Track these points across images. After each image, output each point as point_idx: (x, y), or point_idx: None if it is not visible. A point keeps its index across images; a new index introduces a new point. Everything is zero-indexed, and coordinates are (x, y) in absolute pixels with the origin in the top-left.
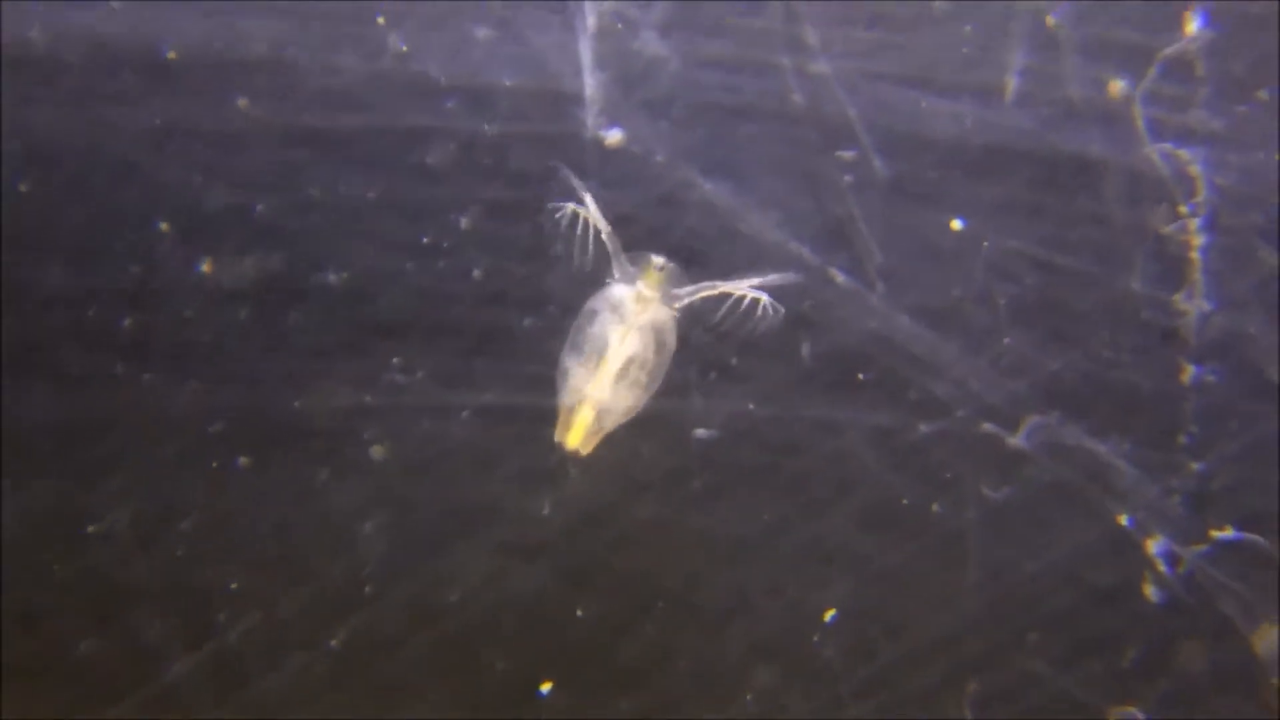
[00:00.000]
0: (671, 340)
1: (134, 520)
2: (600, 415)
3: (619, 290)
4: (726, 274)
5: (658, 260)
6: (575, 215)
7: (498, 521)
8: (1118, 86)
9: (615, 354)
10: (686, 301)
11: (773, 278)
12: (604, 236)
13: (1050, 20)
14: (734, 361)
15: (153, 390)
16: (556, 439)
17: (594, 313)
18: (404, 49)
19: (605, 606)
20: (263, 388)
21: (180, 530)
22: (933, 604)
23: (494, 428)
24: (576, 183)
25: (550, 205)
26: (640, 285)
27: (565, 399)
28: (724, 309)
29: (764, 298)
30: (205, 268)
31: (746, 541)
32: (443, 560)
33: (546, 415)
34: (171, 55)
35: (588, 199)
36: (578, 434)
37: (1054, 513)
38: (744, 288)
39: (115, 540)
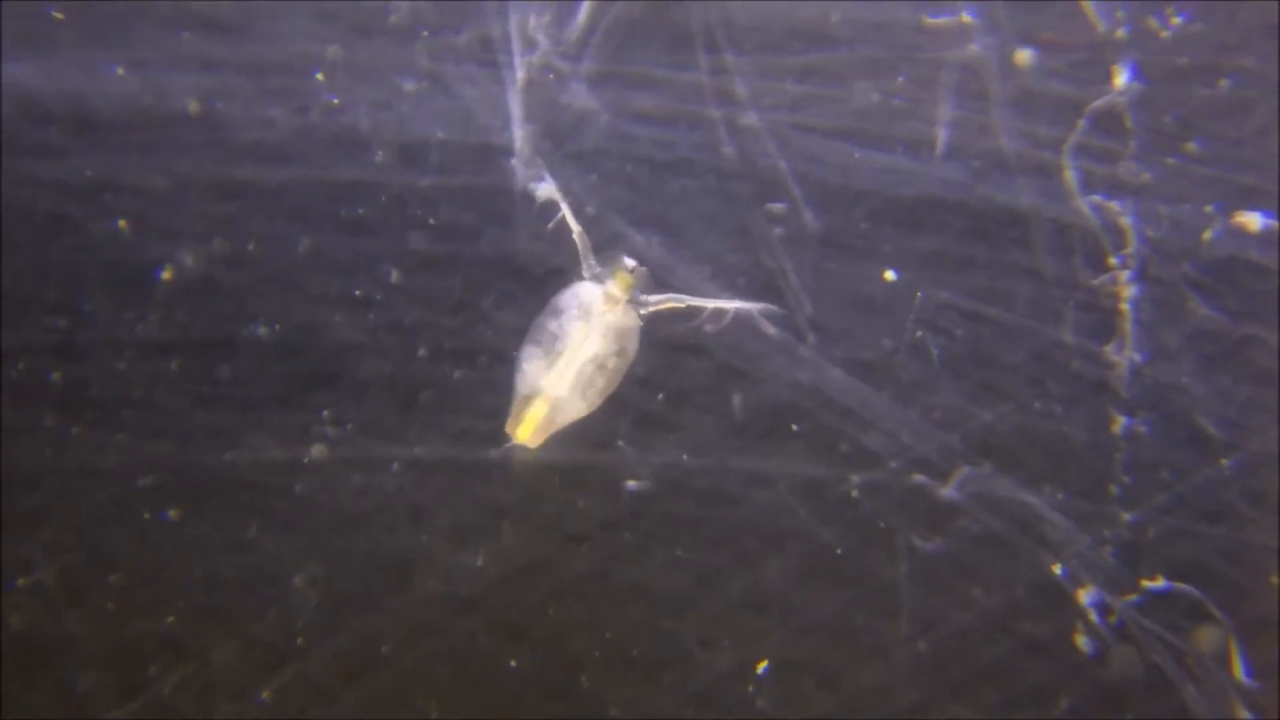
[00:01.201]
0: (633, 346)
1: (63, 573)
2: (553, 411)
3: (586, 289)
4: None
5: (629, 263)
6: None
7: (430, 574)
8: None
9: (576, 351)
10: (653, 309)
11: (740, 303)
12: (574, 235)
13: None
14: (665, 413)
15: (82, 443)
16: (506, 431)
17: (559, 309)
18: (334, 102)
19: (539, 658)
20: (193, 440)
21: (110, 583)
22: (866, 655)
23: (425, 480)
24: (550, 179)
25: (526, 188)
26: (609, 285)
27: (520, 392)
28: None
29: (730, 312)
30: (134, 320)
31: (679, 593)
32: (375, 612)
33: (478, 468)
34: (100, 109)
35: (559, 198)
36: (529, 428)
37: (986, 564)
38: (713, 304)
39: (44, 594)
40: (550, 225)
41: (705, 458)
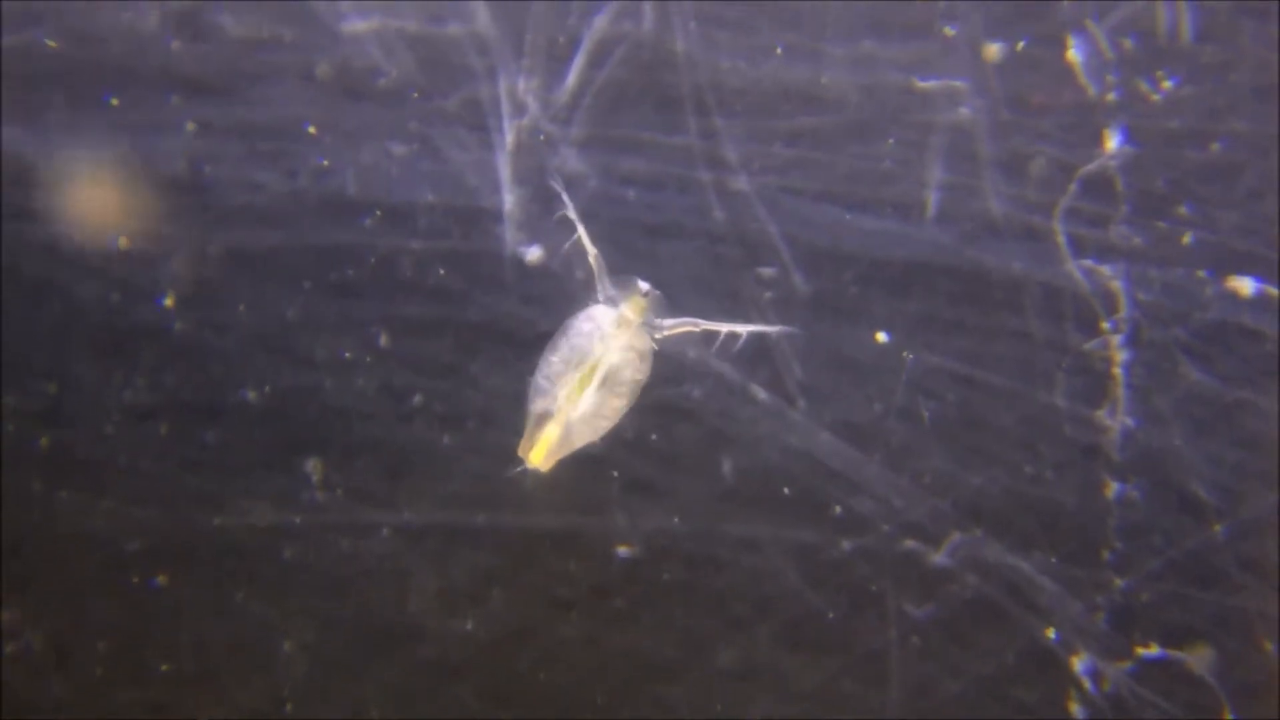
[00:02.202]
0: (646, 369)
1: (51, 639)
2: (566, 433)
3: (601, 311)
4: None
5: (643, 286)
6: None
7: (419, 639)
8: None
9: (590, 373)
10: (667, 334)
11: (755, 326)
12: (590, 258)
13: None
14: (655, 478)
15: (70, 508)
16: (519, 453)
17: (573, 331)
18: (324, 164)
19: None
20: (181, 505)
21: (98, 649)
22: None
23: (414, 545)
24: (568, 201)
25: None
26: (623, 309)
27: (533, 414)
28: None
29: (743, 336)
30: (122, 385)
31: (669, 659)
32: (363, 679)
33: (467, 532)
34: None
35: (577, 221)
36: (541, 451)
37: (977, 630)
38: (727, 327)
39: (32, 659)
40: (566, 247)
41: (695, 523)
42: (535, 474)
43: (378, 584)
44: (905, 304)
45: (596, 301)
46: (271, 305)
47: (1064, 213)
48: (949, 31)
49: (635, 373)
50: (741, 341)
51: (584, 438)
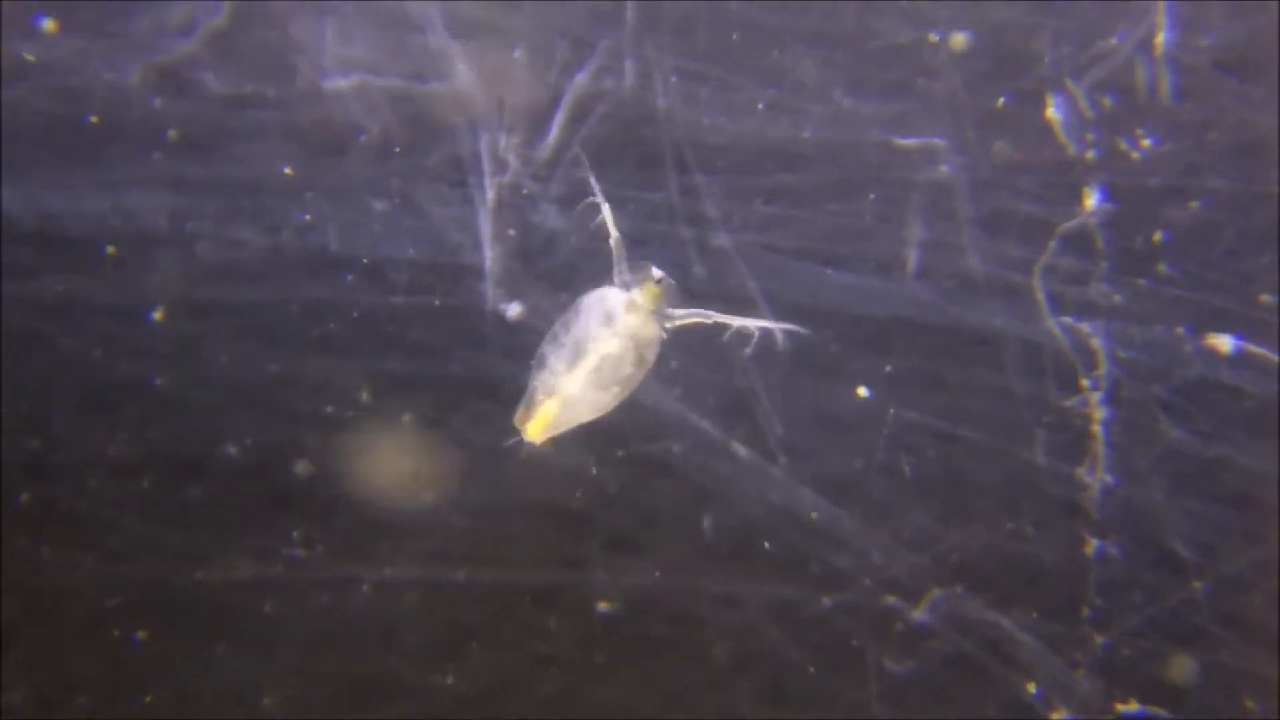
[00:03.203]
0: (651, 357)
1: (32, 694)
2: (563, 411)
3: (613, 294)
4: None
5: (657, 273)
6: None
7: (400, 694)
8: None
9: (594, 354)
10: (678, 323)
11: (766, 322)
12: (610, 241)
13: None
14: (635, 534)
15: (52, 563)
16: (515, 424)
17: (583, 310)
18: (305, 220)
19: None
20: (163, 560)
21: (79, 704)
22: None
23: (395, 601)
24: (594, 183)
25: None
26: (634, 293)
27: (534, 387)
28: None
29: (756, 334)
30: (105, 440)
31: (649, 714)
32: None
33: (448, 588)
34: (71, 228)
35: (602, 203)
36: (538, 425)
37: (958, 686)
38: (738, 322)
39: (13, 715)
40: (592, 225)
41: (676, 579)
42: (529, 447)
43: (359, 639)
44: (886, 360)
45: (610, 284)
46: (254, 361)
47: (1044, 270)
48: (928, 89)
49: (640, 359)
50: (753, 342)
51: (581, 415)
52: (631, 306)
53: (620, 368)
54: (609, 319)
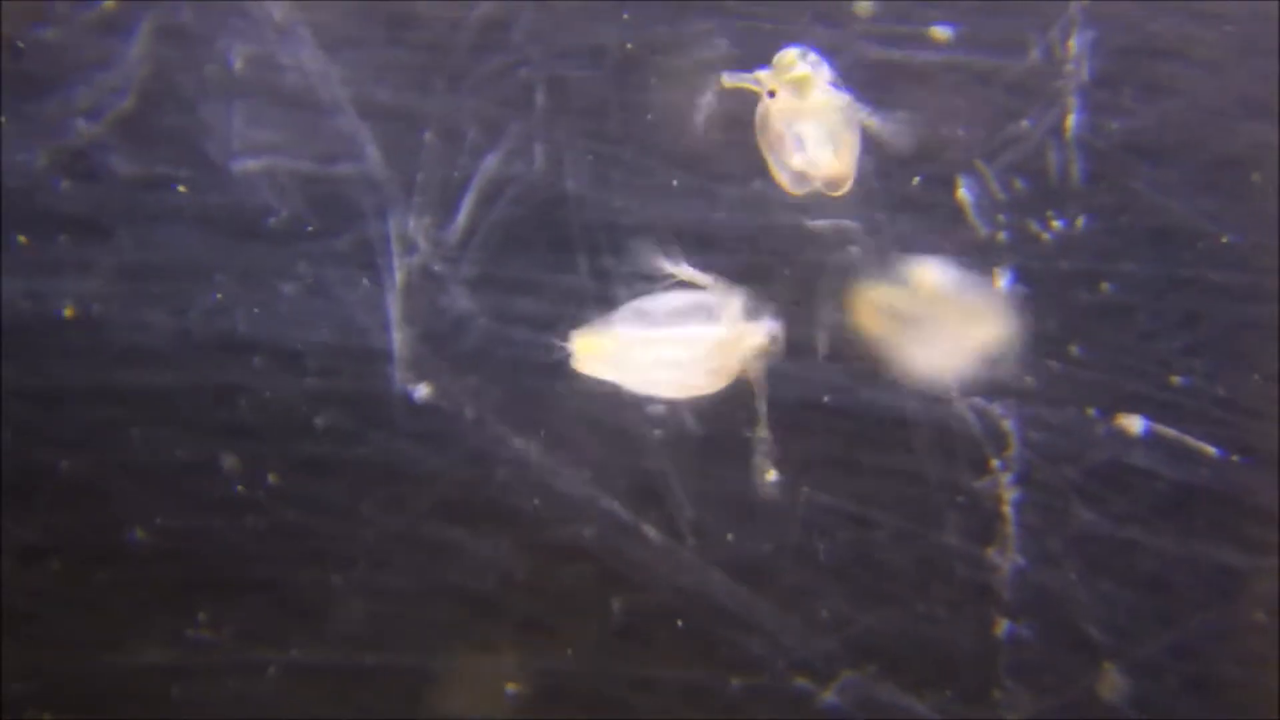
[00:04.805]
0: (721, 384)
1: None
2: (616, 358)
3: (738, 311)
4: None
5: (772, 329)
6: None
7: None
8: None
9: (673, 343)
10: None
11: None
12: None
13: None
14: (545, 618)
15: None
16: (571, 338)
17: (691, 308)
18: (215, 301)
19: None
20: (71, 646)
21: None
22: None
23: (303, 684)
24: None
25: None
26: (749, 337)
27: (606, 327)
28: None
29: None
30: (14, 526)
31: None
32: None
33: (356, 673)
34: None
35: (679, 271)
36: (589, 349)
37: None
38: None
39: None
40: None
41: (586, 662)
42: (570, 360)
43: None
44: (797, 444)
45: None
46: (162, 445)
47: None
48: None
49: (710, 383)
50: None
51: (632, 380)
52: (734, 340)
53: (688, 374)
54: (712, 319)
